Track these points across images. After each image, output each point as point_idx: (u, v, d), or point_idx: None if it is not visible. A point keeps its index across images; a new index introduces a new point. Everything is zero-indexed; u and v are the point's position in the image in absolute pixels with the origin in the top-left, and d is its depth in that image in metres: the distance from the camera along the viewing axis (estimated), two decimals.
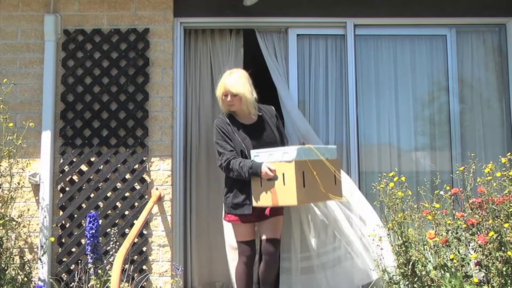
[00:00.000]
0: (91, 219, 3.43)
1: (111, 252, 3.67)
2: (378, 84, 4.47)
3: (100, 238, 3.49)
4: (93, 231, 3.41)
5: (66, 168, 4.11)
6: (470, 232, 3.10)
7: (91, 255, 3.40)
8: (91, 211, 4.01)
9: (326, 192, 3.29)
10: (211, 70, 4.50)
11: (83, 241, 4.02)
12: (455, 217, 3.19)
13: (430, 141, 4.46)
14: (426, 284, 3.13)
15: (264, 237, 3.54)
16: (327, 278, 3.91)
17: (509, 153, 3.52)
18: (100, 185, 4.09)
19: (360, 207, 3.91)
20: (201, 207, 4.42)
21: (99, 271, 3.39)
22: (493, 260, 2.94)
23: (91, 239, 3.41)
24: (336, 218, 3.89)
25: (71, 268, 4.00)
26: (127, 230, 3.99)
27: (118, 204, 4.08)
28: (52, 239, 3.96)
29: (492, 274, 2.95)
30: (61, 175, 4.10)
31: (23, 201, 4.07)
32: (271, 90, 4.33)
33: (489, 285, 2.96)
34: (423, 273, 3.15)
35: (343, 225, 3.87)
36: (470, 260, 3.06)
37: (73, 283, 3.77)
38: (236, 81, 3.47)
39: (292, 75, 4.39)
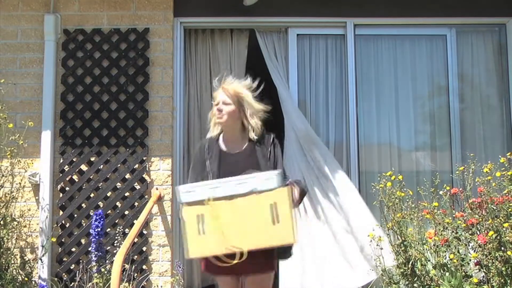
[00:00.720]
0: (97, 217, 3.45)
1: (114, 251, 3.67)
2: (378, 84, 4.47)
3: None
4: (99, 229, 3.44)
5: (66, 168, 4.11)
6: (469, 232, 3.10)
7: (96, 253, 3.42)
8: (92, 210, 4.02)
9: (252, 236, 2.38)
10: (211, 70, 4.51)
11: (83, 241, 4.02)
12: (455, 217, 3.19)
13: (430, 141, 4.46)
14: (425, 283, 3.13)
15: None
16: (322, 280, 3.93)
17: (509, 153, 3.52)
18: (100, 185, 4.09)
19: (356, 211, 3.91)
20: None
21: (102, 269, 3.40)
22: (493, 260, 2.94)
23: (97, 237, 3.43)
24: (331, 222, 3.92)
25: (71, 268, 4.00)
26: (127, 230, 3.99)
27: (118, 204, 4.08)
28: (53, 239, 3.96)
29: (491, 273, 2.95)
30: (61, 175, 4.10)
31: (23, 201, 4.07)
32: (272, 92, 4.34)
33: (489, 284, 2.96)
34: (423, 272, 3.16)
35: (337, 226, 3.90)
36: (470, 260, 3.06)
37: (73, 283, 3.78)
38: (232, 87, 2.72)
39: (292, 74, 4.39)
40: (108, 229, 4.01)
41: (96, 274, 3.41)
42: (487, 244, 2.96)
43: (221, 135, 2.80)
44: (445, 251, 3.08)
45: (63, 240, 4.04)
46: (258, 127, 2.73)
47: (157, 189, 4.10)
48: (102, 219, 3.44)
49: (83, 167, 4.12)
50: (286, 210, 2.37)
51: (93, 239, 3.41)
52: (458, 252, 3.07)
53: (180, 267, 3.87)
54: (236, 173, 2.52)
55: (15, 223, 3.84)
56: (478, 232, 3.06)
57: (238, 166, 2.64)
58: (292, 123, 4.18)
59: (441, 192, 3.31)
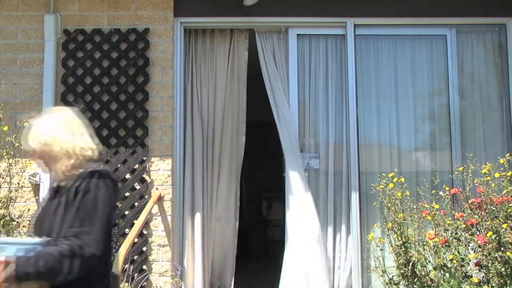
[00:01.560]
0: None
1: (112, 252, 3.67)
2: (378, 84, 4.47)
3: None
4: None
5: None
6: (469, 232, 3.10)
7: None
8: None
9: None
10: (211, 70, 4.50)
11: None
12: (455, 217, 3.19)
13: (431, 141, 4.46)
14: (425, 284, 3.14)
15: None
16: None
17: (508, 154, 3.52)
18: None
19: (308, 223, 4.07)
20: (200, 207, 4.42)
21: None
22: (493, 260, 2.94)
23: None
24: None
25: None
26: (127, 230, 3.99)
27: (118, 204, 4.08)
28: None
29: (491, 274, 2.95)
30: None
31: (23, 201, 4.07)
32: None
33: (489, 285, 2.96)
34: (423, 273, 3.16)
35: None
36: (470, 260, 3.06)
37: None
38: (34, 130, 2.04)
39: (292, 75, 4.39)
40: None
41: None
42: (487, 244, 2.96)
43: None
44: (445, 252, 3.09)
45: None
46: (64, 169, 1.99)
47: (157, 189, 4.10)
48: None
49: None
50: None
51: None
52: (458, 252, 3.07)
53: (178, 270, 3.87)
54: (42, 221, 2.02)
55: (14, 223, 3.84)
56: (477, 233, 3.07)
57: (49, 209, 2.01)
58: (281, 132, 4.26)
59: (441, 193, 3.31)
